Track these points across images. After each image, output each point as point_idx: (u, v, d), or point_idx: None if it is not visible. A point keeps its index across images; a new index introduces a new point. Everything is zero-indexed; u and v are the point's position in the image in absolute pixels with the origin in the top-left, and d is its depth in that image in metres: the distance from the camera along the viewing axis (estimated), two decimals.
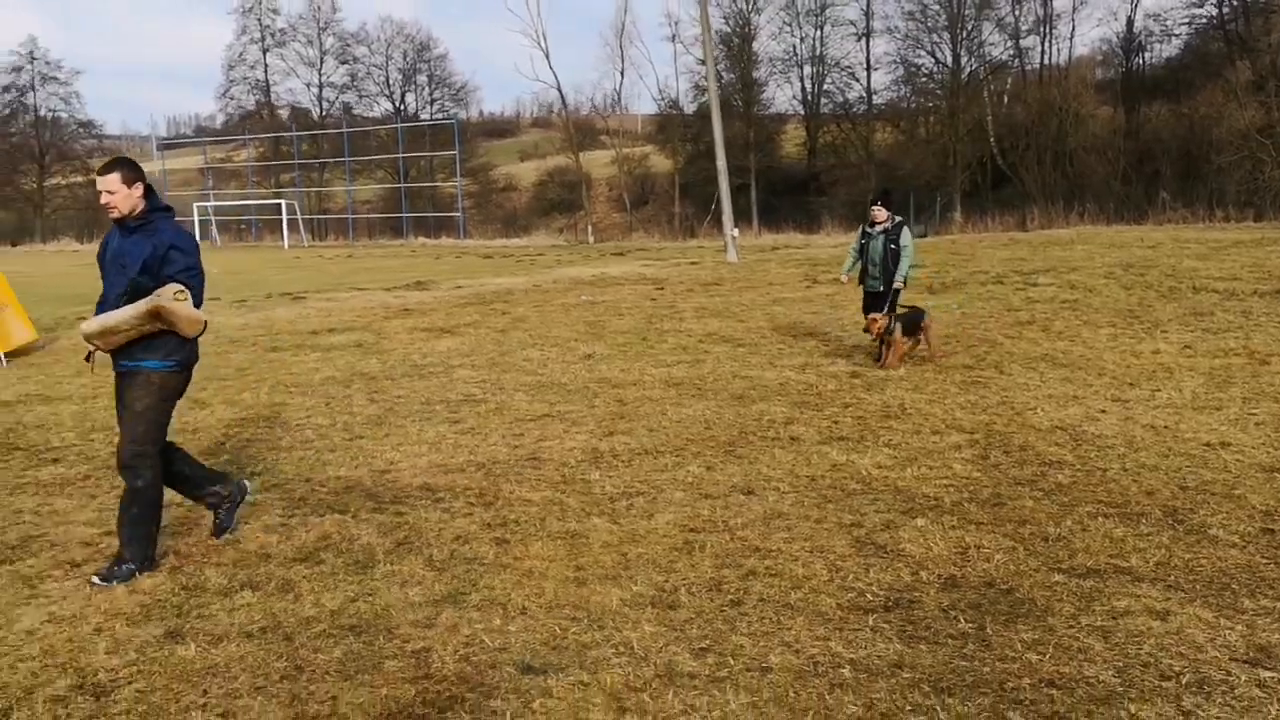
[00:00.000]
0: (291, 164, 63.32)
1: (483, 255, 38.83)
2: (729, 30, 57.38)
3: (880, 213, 10.35)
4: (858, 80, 58.85)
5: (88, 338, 4.90)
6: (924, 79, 55.59)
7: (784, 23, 59.87)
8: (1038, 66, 55.18)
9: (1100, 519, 5.48)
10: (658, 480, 6.49)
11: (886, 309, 10.22)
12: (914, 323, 10.35)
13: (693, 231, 49.92)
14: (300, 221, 55.30)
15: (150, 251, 4.86)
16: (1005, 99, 54.52)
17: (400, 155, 58.48)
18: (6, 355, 12.33)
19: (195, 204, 58.90)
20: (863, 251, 10.55)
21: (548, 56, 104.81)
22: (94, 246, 50.80)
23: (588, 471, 6.74)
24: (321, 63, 66.55)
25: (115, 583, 4.85)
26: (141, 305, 4.75)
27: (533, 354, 11.81)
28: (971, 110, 51.85)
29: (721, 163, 28.34)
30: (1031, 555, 5.00)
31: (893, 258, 10.26)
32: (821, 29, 59.20)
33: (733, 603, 4.54)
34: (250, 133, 65.79)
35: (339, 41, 66.88)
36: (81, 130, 77.30)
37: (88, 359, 5.17)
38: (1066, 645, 4.03)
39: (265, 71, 67.26)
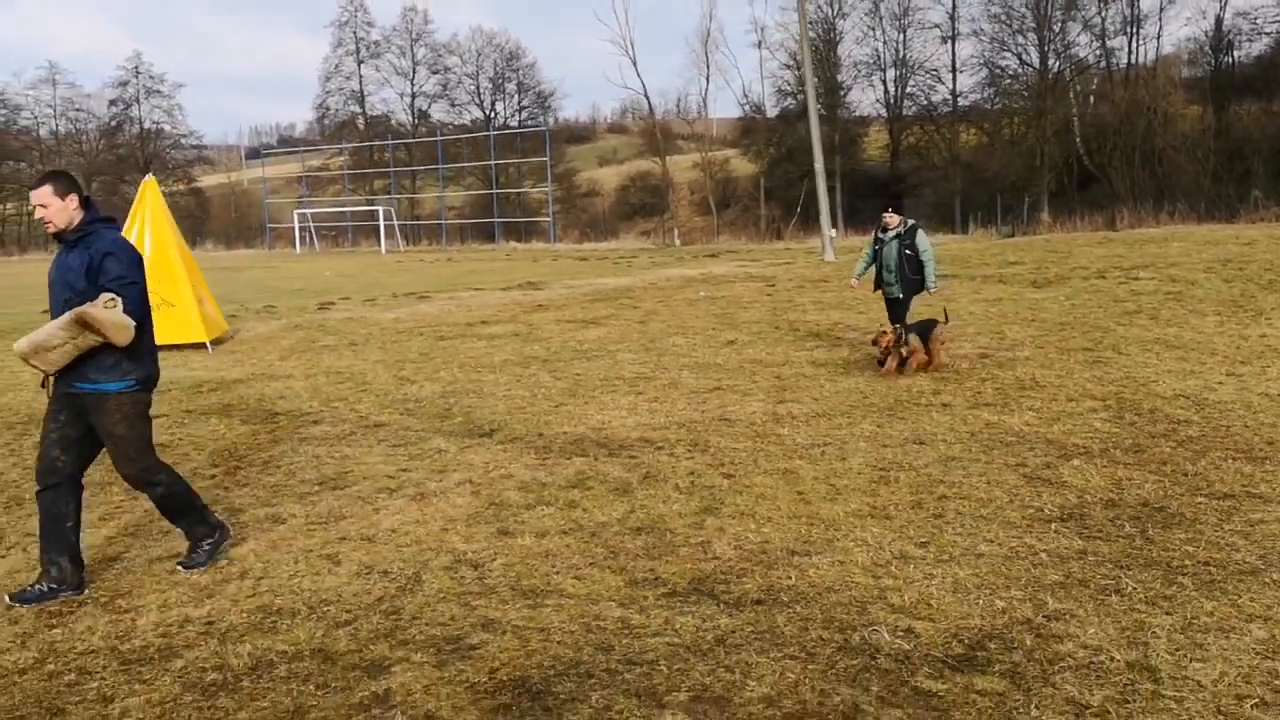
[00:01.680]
0: (386, 171, 65.68)
1: (577, 258, 40.22)
2: (814, 35, 58.25)
3: (892, 218, 10.39)
4: (942, 83, 59.36)
5: (23, 358, 4.73)
6: (1009, 80, 55.90)
7: (868, 27, 60.65)
8: (1124, 66, 55.15)
9: (1230, 461, 6.54)
10: (838, 435, 7.67)
11: (905, 316, 10.41)
12: (925, 332, 10.13)
13: (779, 234, 50.89)
14: (396, 227, 57.46)
15: (89, 264, 4.75)
16: (1091, 99, 54.59)
17: (493, 162, 60.47)
18: (179, 347, 13.93)
19: (295, 211, 61.48)
20: (876, 258, 10.61)
21: (635, 64, 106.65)
22: (198, 254, 52.86)
23: (775, 428, 7.95)
24: (414, 73, 68.90)
25: (201, 567, 5.15)
26: (67, 316, 4.66)
27: (679, 340, 13.06)
28: (1058, 111, 52.07)
29: (819, 164, 29.41)
30: (1175, 485, 6.08)
31: (909, 263, 10.29)
32: (904, 32, 59.86)
33: (935, 515, 5.71)
34: (345, 141, 68.34)
35: (431, 52, 69.24)
36: (183, 140, 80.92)
37: (43, 385, 5.01)
38: (1215, 541, 5.13)
39: (360, 82, 69.85)
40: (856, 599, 4.57)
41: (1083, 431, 7.46)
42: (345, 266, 39.43)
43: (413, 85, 69.19)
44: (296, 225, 59.45)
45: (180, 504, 5.17)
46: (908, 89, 60.63)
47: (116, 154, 79.81)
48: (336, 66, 70.12)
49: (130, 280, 4.77)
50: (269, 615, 4.63)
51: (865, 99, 68.18)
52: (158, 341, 13.58)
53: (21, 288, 28.23)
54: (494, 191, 60.37)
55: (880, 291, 10.82)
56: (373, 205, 60.95)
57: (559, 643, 4.23)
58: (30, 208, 4.65)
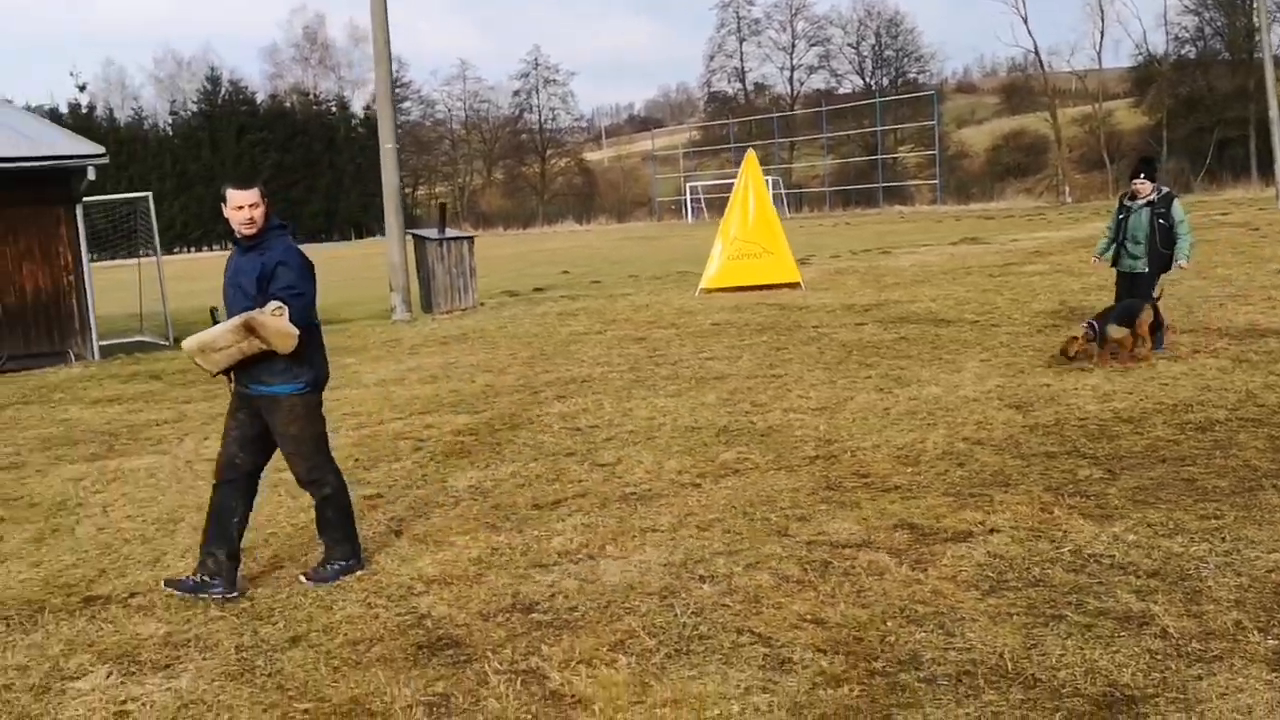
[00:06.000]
0: (768, 143, 69.42)
1: (981, 217, 41.58)
2: None
3: (1143, 185, 9.51)
4: None
5: (190, 356, 4.92)
6: None
7: None
8: None
9: None
10: None
11: (1150, 293, 9.39)
12: (1130, 315, 9.02)
13: (1188, 186, 49.26)
14: (783, 195, 60.97)
15: (261, 270, 4.84)
16: None
17: (879, 129, 62.51)
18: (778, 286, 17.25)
19: (686, 183, 66.51)
20: (1119, 228, 9.72)
21: (1025, 21, 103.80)
22: (593, 228, 58.67)
23: None
24: (793, 47, 72.17)
25: (326, 583, 5.08)
26: (236, 320, 4.77)
27: (1220, 271, 14.89)
28: None
29: (1274, 112, 29.27)
30: None
31: (1161, 234, 9.38)
32: None
33: None
34: (731, 116, 72.82)
35: (810, 25, 72.19)
36: (576, 124, 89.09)
37: (227, 374, 5.01)
38: None
39: (741, 59, 74.06)
40: None
41: None
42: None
43: (792, 58, 72.52)
44: (688, 197, 64.36)
45: (341, 514, 5.24)
46: None
47: (518, 140, 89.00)
48: (720, 46, 74.80)
49: (299, 290, 4.84)
50: (1130, 406, 7.38)
51: None
52: (762, 282, 17.13)
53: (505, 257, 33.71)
54: (879, 157, 62.43)
55: (1115, 268, 9.92)
56: None
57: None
58: (238, 206, 4.80)
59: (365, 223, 73.67)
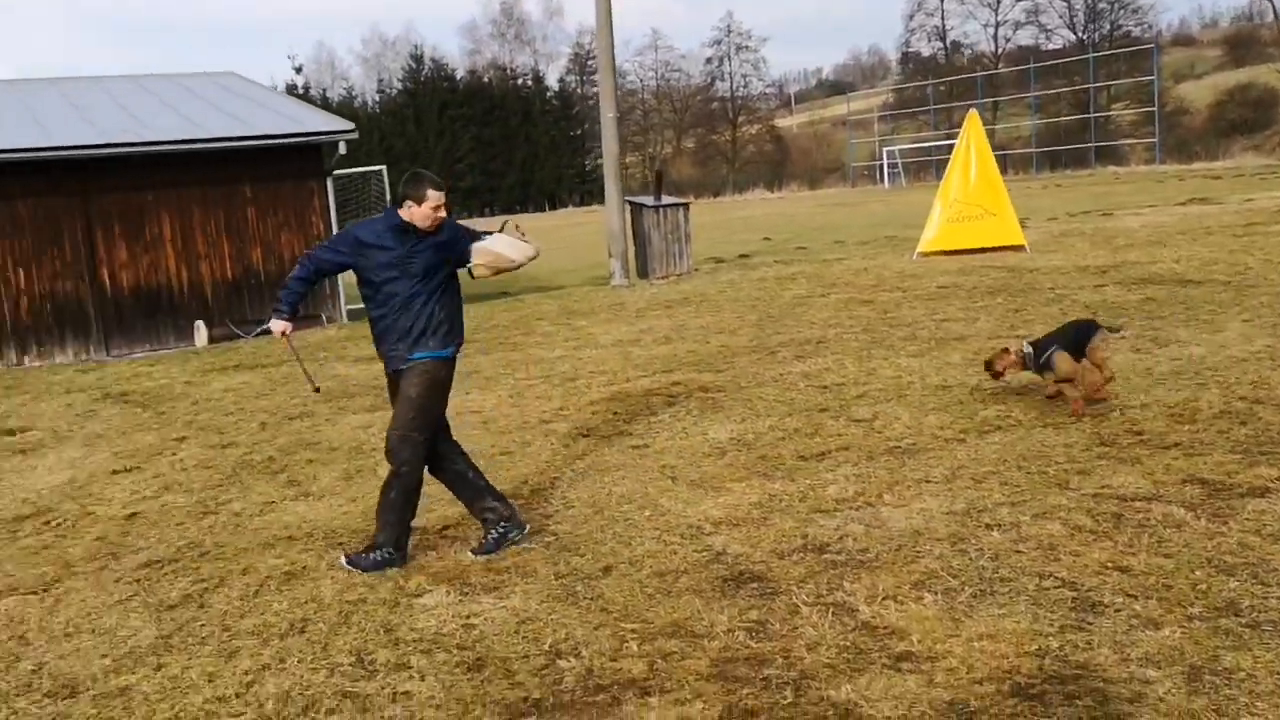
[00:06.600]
0: (970, 104, 66.97)
1: (1208, 176, 38.90)
2: None
3: None
4: None
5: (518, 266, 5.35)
6: None
7: None
8: None
9: None
10: None
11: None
12: (1080, 340, 6.85)
13: None
14: None
15: (446, 248, 5.11)
16: None
17: (1092, 85, 59.36)
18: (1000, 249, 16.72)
19: (884, 148, 64.98)
20: None
21: None
22: (786, 195, 58.06)
23: None
24: (999, 3, 69.28)
25: (362, 568, 5.07)
26: (520, 248, 5.31)
27: None
28: None
29: None
30: None
31: None
32: None
33: None
34: (930, 77, 70.64)
35: None
36: (767, 90, 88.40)
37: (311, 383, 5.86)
38: None
39: (942, 17, 71.69)
40: None
41: None
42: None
43: (997, 14, 69.65)
44: (884, 161, 62.89)
45: (402, 499, 5.11)
46: None
47: (709, 108, 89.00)
48: (919, 4, 72.65)
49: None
50: None
51: None
52: (983, 244, 16.73)
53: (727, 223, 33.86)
54: (1091, 115, 59.25)
55: None
56: (949, 139, 62.60)
57: None
58: (436, 206, 4.97)
59: (558, 194, 75.50)
